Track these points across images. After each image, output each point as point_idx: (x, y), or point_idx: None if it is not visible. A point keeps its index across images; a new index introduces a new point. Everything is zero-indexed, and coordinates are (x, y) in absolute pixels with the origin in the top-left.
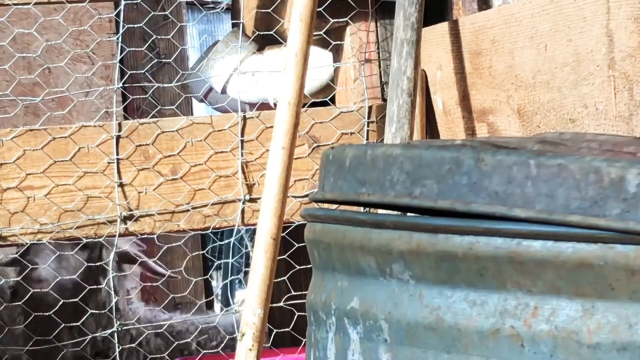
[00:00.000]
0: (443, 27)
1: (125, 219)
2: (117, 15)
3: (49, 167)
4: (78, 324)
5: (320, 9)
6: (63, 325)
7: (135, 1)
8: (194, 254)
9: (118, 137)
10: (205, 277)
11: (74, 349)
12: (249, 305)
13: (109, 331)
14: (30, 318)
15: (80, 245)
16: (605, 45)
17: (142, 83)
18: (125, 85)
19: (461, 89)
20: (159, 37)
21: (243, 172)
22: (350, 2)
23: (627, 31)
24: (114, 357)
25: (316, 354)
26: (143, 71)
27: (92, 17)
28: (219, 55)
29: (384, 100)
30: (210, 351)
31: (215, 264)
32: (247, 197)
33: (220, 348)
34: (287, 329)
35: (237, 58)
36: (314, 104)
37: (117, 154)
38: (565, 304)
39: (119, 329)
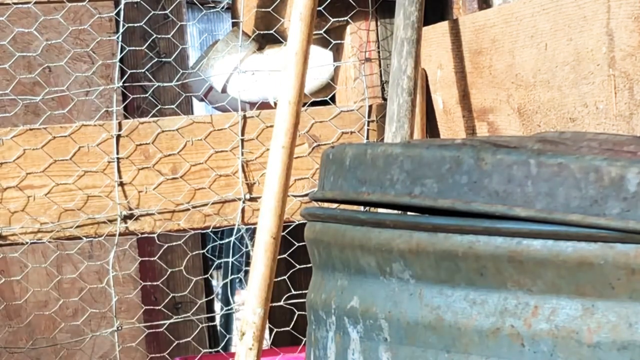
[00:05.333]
0: (443, 26)
1: (125, 218)
2: (117, 14)
3: (49, 166)
4: None
5: (320, 8)
6: None
7: (135, 0)
8: (194, 253)
9: (118, 136)
10: (205, 276)
11: None
12: (249, 305)
13: (109, 330)
14: None
15: None
16: (605, 44)
17: (142, 82)
18: (125, 84)
19: (461, 88)
20: (159, 36)
21: (243, 171)
22: (351, 1)
23: (628, 30)
24: (114, 356)
25: (316, 353)
26: (143, 70)
27: (92, 16)
28: (219, 55)
29: (384, 99)
30: (209, 350)
31: (216, 263)
32: (247, 196)
33: None
34: (287, 328)
35: (237, 57)
36: (314, 103)
37: (117, 153)
38: (566, 303)
39: (119, 328)
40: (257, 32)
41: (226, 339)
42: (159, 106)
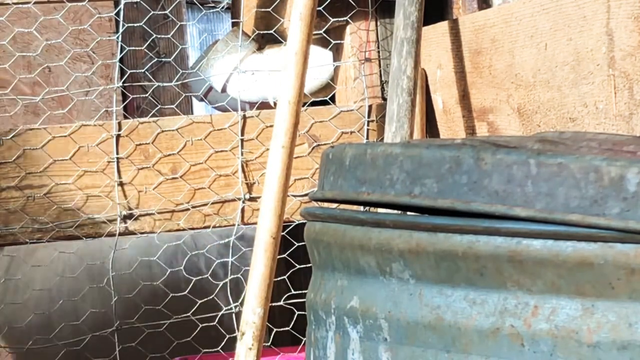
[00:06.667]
0: (443, 26)
1: (125, 218)
2: (117, 14)
3: (49, 166)
4: None
5: (320, 8)
6: None
7: (135, 0)
8: (193, 252)
9: (118, 136)
10: (206, 276)
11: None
12: (248, 304)
13: (109, 330)
14: None
15: None
16: (605, 44)
17: (142, 82)
18: (125, 84)
19: (461, 88)
20: (159, 36)
21: (243, 171)
22: (351, 1)
23: (627, 30)
24: (114, 356)
25: (316, 353)
26: (143, 70)
27: (92, 16)
28: (219, 54)
29: (384, 99)
30: (209, 350)
31: (216, 262)
32: (247, 196)
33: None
34: (287, 328)
35: (237, 57)
36: (314, 103)
37: (117, 153)
38: (565, 303)
39: (119, 328)
40: (257, 32)
41: (226, 339)
42: (159, 106)
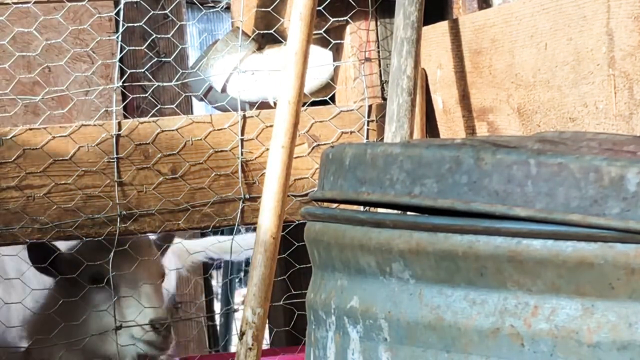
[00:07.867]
0: (443, 26)
1: (125, 218)
2: (117, 14)
3: (49, 166)
4: None
5: (320, 8)
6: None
7: (135, 0)
8: (193, 253)
9: (118, 136)
10: (205, 276)
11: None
12: (249, 304)
13: (110, 330)
14: None
15: None
16: (605, 44)
17: (142, 82)
18: (125, 84)
19: (461, 88)
20: (159, 36)
21: (243, 171)
22: (351, 1)
23: (627, 30)
24: (114, 356)
25: (316, 353)
26: (143, 70)
27: (92, 16)
28: (219, 54)
29: (384, 99)
30: (209, 350)
31: (215, 262)
32: (247, 196)
33: None
34: (287, 328)
35: (237, 57)
36: (314, 103)
37: (117, 153)
38: (565, 303)
39: (119, 328)
40: (257, 31)
41: (226, 339)
42: (159, 106)
